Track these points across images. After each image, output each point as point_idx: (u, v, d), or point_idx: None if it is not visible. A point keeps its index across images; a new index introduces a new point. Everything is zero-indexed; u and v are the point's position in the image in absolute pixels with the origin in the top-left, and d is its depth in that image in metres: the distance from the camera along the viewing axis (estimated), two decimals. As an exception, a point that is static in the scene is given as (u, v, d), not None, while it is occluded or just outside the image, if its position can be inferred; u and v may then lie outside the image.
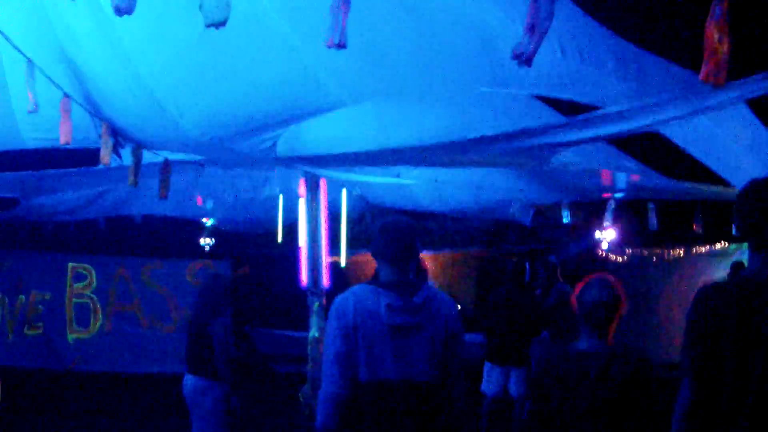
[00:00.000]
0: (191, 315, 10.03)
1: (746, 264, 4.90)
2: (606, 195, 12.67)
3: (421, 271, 10.06)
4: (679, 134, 6.30)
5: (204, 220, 17.18)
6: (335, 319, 5.38)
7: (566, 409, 5.51)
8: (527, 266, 14.41)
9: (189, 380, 9.49)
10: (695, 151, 6.31)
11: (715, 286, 4.72)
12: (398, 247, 5.46)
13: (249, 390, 13.67)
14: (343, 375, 5.33)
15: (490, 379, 12.13)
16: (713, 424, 4.46)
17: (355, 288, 5.54)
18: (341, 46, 4.27)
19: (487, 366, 12.21)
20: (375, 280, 5.57)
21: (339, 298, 5.47)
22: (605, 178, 10.58)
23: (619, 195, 12.53)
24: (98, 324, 17.26)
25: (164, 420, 12.61)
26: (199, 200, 12.69)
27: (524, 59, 4.13)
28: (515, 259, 14.61)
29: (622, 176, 10.41)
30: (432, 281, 17.13)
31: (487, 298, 12.98)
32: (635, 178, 10.40)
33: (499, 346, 12.14)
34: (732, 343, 4.40)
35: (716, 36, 4.07)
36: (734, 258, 16.15)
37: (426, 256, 20.34)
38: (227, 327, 9.45)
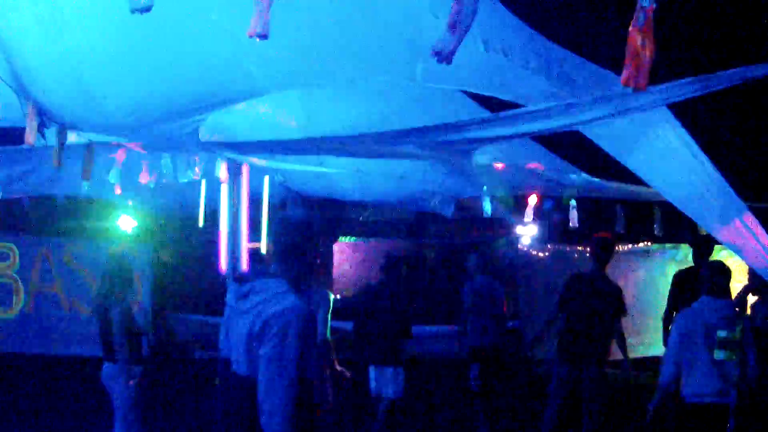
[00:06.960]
0: (95, 298, 9.94)
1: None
2: (528, 191, 12.67)
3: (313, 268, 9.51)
4: (601, 135, 6.31)
5: (127, 202, 16.96)
6: None
7: None
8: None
9: (103, 366, 9.44)
10: (616, 152, 6.31)
11: (571, 276, 10.69)
12: (278, 243, 5.75)
13: (166, 375, 13.59)
14: None
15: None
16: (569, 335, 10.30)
17: None
18: (263, 36, 4.24)
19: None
20: None
21: None
22: (528, 174, 10.60)
23: (541, 191, 12.54)
24: (20, 304, 17.07)
25: (85, 402, 12.46)
26: (117, 189, 12.47)
27: (444, 56, 4.12)
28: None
29: (545, 173, 10.45)
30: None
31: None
32: (555, 175, 10.47)
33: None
34: (574, 301, 10.32)
35: (639, 40, 4.10)
36: None
37: (345, 245, 20.29)
38: (127, 311, 9.38)
